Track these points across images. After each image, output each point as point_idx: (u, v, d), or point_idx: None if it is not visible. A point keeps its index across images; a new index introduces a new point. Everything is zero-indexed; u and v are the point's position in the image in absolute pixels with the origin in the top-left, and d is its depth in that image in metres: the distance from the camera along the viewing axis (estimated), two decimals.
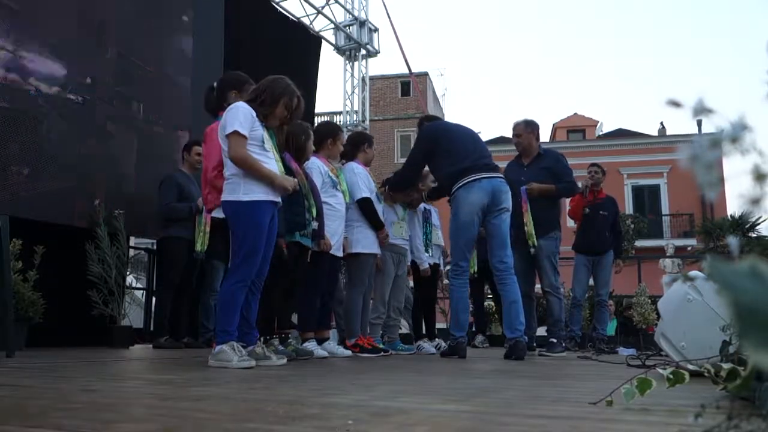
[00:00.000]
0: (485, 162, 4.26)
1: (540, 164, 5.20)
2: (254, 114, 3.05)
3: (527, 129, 5.25)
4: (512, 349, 4.01)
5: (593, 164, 6.36)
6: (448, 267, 5.88)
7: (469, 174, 4.13)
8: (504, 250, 4.19)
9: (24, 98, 4.76)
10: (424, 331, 5.78)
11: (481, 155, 4.29)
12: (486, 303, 7.45)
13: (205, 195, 3.55)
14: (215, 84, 3.65)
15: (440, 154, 4.29)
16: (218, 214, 3.52)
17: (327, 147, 4.40)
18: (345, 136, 4.64)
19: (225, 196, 3.06)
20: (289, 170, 3.53)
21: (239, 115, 2.99)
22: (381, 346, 4.74)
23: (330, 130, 4.53)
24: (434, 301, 6.15)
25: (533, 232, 4.98)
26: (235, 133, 2.97)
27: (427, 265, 5.37)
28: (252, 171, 3.00)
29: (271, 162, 3.10)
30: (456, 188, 4.16)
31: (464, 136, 4.39)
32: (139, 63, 5.90)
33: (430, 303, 5.89)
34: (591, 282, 6.38)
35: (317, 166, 4.27)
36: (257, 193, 3.02)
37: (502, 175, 4.35)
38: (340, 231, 4.35)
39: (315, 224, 3.96)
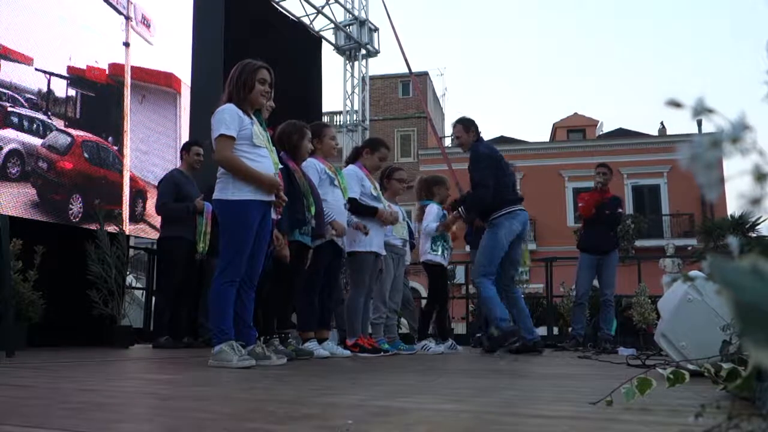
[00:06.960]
0: (519, 196, 5.13)
1: None
2: (241, 113, 3.05)
3: None
4: (533, 347, 4.78)
5: (602, 164, 6.41)
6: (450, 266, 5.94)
7: (512, 204, 4.94)
8: (517, 268, 5.22)
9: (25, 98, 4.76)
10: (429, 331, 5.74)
11: (514, 187, 5.20)
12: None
13: None
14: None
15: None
16: None
17: (316, 147, 4.41)
18: (333, 131, 4.63)
19: (215, 195, 3.08)
20: (285, 167, 3.55)
21: (225, 117, 3.01)
22: (385, 346, 4.73)
23: (313, 130, 4.54)
24: (447, 301, 6.10)
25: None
26: (222, 135, 2.98)
27: (438, 260, 5.44)
28: (238, 172, 3.01)
29: (263, 159, 3.09)
30: (499, 214, 4.87)
31: (507, 167, 5.11)
32: (139, 62, 5.90)
33: (443, 303, 5.83)
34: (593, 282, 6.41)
35: (313, 165, 4.29)
36: (246, 192, 3.02)
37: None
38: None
39: (313, 222, 3.98)
